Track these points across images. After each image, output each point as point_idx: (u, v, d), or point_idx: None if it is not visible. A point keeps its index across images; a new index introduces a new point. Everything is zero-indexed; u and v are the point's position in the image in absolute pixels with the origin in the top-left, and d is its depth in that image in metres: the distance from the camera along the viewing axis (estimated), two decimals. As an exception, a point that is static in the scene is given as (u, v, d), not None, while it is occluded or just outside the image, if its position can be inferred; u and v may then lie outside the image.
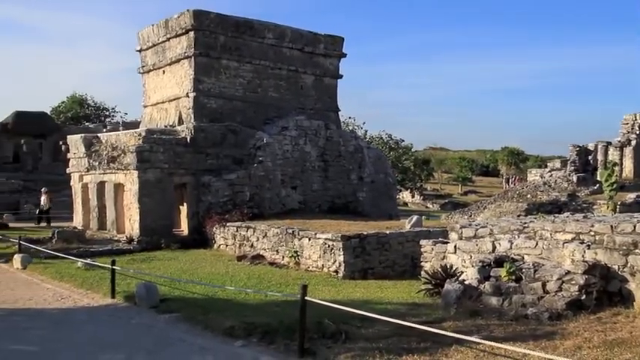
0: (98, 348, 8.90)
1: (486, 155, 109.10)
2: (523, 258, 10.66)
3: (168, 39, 25.22)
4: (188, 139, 22.57)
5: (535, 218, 13.39)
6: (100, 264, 14.56)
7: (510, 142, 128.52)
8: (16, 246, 18.92)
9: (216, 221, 21.26)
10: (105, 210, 23.86)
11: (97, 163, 23.71)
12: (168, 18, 25.13)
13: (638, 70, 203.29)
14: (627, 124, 41.61)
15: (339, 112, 28.67)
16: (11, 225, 27.58)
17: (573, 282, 9.35)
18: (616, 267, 9.63)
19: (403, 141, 65.26)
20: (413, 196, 64.80)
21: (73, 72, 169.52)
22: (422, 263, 13.30)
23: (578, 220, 11.23)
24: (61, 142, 38.06)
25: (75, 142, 25.38)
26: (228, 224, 20.83)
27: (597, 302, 9.28)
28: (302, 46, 26.67)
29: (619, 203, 29.66)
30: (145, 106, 27.52)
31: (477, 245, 11.69)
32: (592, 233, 10.35)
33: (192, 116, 23.84)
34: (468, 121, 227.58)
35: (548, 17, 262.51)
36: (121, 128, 39.88)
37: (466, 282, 10.41)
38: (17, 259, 17.11)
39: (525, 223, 11.91)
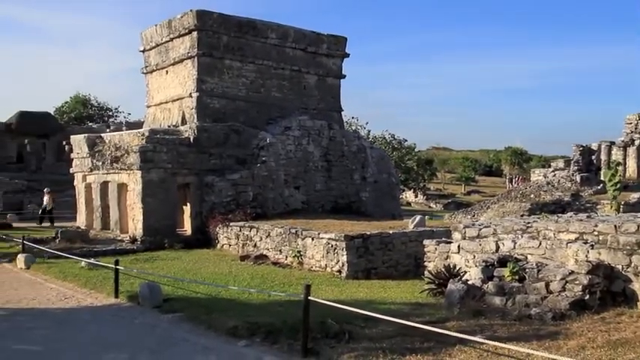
0: (102, 348, 8.91)
1: (489, 155, 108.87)
2: (526, 258, 10.65)
3: (172, 39, 25.24)
4: (191, 139, 22.59)
5: (538, 218, 13.37)
6: (103, 264, 14.58)
7: (513, 142, 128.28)
8: (20, 246, 18.94)
9: (219, 221, 21.27)
10: (108, 210, 23.90)
11: (101, 163, 23.74)
12: (172, 18, 25.15)
13: (638, 70, 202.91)
14: (630, 123, 41.53)
15: (342, 112, 28.69)
16: (15, 225, 27.64)
17: (577, 282, 9.34)
18: (620, 267, 9.62)
19: (406, 141, 65.19)
20: (416, 196, 64.71)
21: (77, 72, 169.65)
22: (425, 263, 13.29)
23: (581, 220, 11.22)
24: (64, 142, 38.14)
25: (78, 142, 25.41)
26: (231, 224, 20.84)
27: (601, 302, 9.27)
28: (305, 46, 26.67)
29: (622, 203, 29.62)
30: (149, 106, 27.55)
31: (480, 245, 11.68)
32: (596, 233, 10.33)
33: (196, 116, 23.87)
34: (470, 121, 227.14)
35: (548, 17, 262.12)
36: (124, 128, 39.94)
37: (469, 282, 10.41)
38: (21, 258, 17.13)
39: (529, 223, 11.90)
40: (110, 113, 70.68)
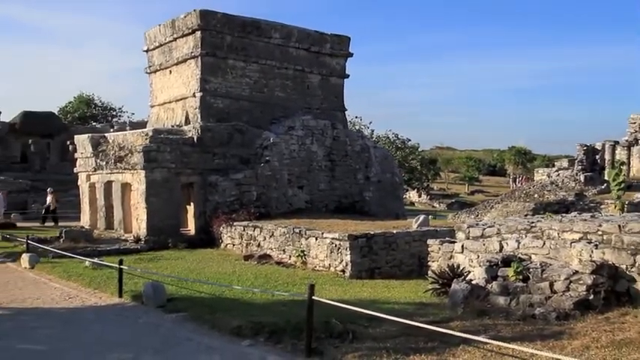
0: (106, 347, 8.93)
1: (493, 155, 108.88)
2: (530, 258, 10.63)
3: (175, 39, 25.27)
4: (195, 139, 22.60)
5: (542, 218, 13.34)
6: (107, 263, 14.60)
7: (517, 142, 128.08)
8: (24, 245, 18.97)
9: (223, 221, 21.29)
10: (112, 210, 23.93)
11: (105, 163, 23.77)
12: (175, 18, 25.17)
13: (639, 70, 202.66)
14: (634, 123, 41.43)
15: (346, 112, 28.67)
16: (19, 224, 27.71)
17: (581, 282, 9.32)
18: (624, 267, 9.59)
19: (410, 140, 65.18)
20: (420, 196, 64.71)
21: (78, 72, 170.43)
22: (429, 263, 13.28)
23: (585, 220, 11.18)
24: (68, 142, 38.18)
25: (82, 142, 25.46)
26: (235, 224, 20.86)
27: (605, 302, 9.24)
28: (308, 46, 26.66)
29: (627, 203, 29.50)
30: (152, 106, 27.58)
31: (484, 245, 11.66)
32: (600, 233, 10.30)
33: (199, 116, 23.89)
34: (474, 120, 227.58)
35: (550, 17, 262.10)
36: (128, 128, 39.97)
37: (473, 282, 10.39)
38: (25, 258, 17.17)
39: (533, 222, 11.86)
40: (114, 113, 70.81)
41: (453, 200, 61.47)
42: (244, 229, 20.23)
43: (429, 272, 12.61)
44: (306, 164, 24.58)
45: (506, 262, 10.49)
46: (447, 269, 11.75)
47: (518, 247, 10.98)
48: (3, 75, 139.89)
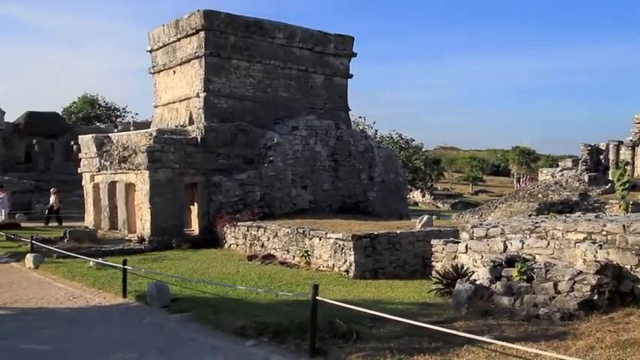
0: (110, 347, 8.94)
1: (497, 155, 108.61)
2: (534, 258, 10.62)
3: (179, 39, 25.29)
4: (199, 139, 22.62)
5: (546, 218, 13.32)
6: (111, 263, 14.62)
7: (521, 142, 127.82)
8: (28, 245, 19.02)
9: (226, 221, 21.30)
10: (116, 210, 23.98)
11: (109, 163, 23.82)
12: (179, 18, 25.20)
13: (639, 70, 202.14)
14: (639, 123, 41.30)
15: (350, 112, 28.67)
16: (23, 225, 27.76)
17: (585, 282, 9.30)
18: (628, 267, 9.58)
19: (413, 140, 65.11)
20: (423, 196, 64.64)
21: (79, 72, 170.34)
22: (433, 263, 13.28)
23: (589, 220, 11.17)
24: (72, 142, 38.30)
25: (86, 142, 25.51)
26: (238, 224, 20.87)
27: (609, 302, 9.23)
28: (312, 46, 26.66)
29: (631, 203, 29.42)
30: (156, 106, 27.62)
31: (488, 245, 11.65)
32: (604, 233, 10.29)
33: (203, 116, 23.91)
34: (474, 120, 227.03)
35: (550, 17, 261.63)
36: (132, 128, 40.04)
37: (477, 282, 10.38)
38: (29, 258, 17.21)
39: (537, 222, 11.85)
40: (118, 113, 71.01)
41: (457, 200, 61.43)
42: (248, 230, 20.24)
43: (433, 272, 12.59)
44: (309, 164, 24.59)
45: (511, 262, 10.48)
46: (450, 269, 11.75)
47: (523, 248, 10.96)
48: (3, 75, 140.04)
